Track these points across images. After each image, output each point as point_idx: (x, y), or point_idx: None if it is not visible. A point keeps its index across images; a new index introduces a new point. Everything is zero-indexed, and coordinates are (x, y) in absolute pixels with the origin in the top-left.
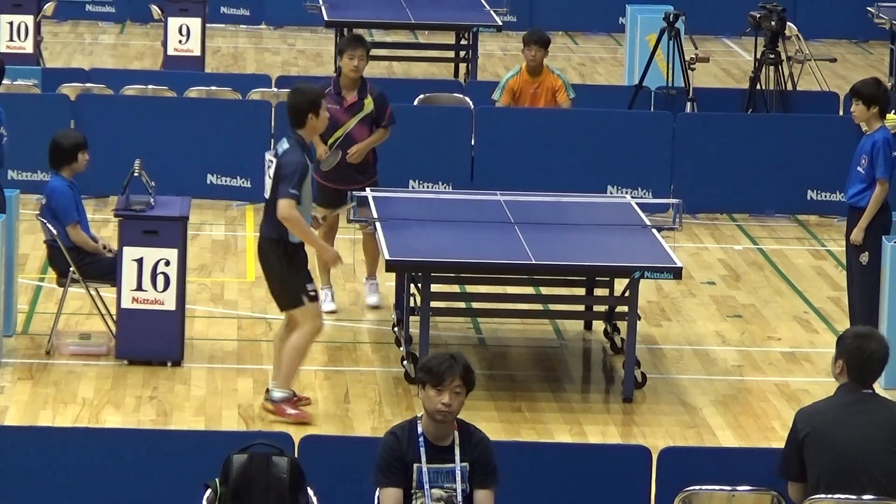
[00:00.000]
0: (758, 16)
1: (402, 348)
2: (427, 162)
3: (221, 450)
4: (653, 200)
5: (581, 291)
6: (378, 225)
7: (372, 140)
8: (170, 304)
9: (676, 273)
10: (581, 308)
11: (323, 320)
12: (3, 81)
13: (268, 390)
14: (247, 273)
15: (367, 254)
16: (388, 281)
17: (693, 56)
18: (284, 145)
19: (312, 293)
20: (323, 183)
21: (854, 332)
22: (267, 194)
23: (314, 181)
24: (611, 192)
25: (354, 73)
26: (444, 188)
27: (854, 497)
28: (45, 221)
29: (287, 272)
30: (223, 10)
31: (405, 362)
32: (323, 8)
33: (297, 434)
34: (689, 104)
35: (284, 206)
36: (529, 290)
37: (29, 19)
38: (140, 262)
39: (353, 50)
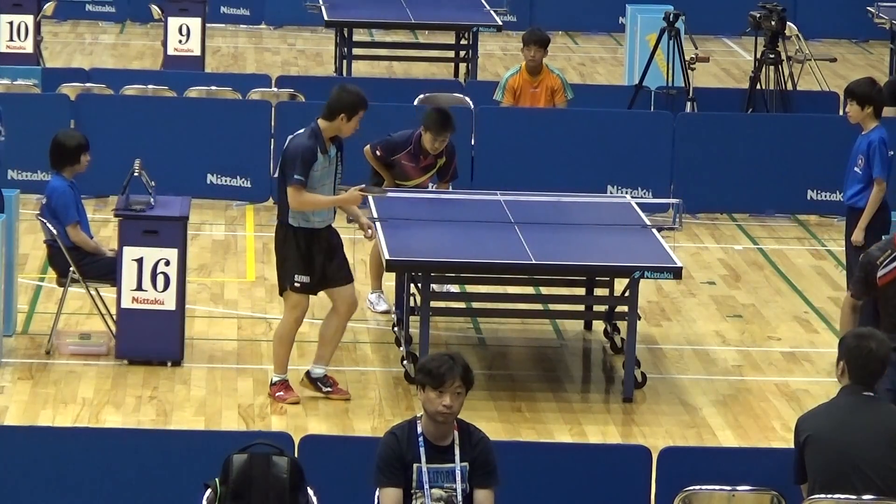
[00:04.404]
0: (758, 16)
1: (402, 348)
2: None
3: (221, 450)
4: (653, 200)
5: (581, 291)
6: (378, 225)
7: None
8: (170, 304)
9: (676, 273)
10: (581, 308)
11: (303, 315)
12: (3, 81)
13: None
14: (247, 273)
15: (372, 266)
16: (388, 281)
17: (693, 56)
18: (300, 130)
19: (298, 284)
20: None
21: (854, 333)
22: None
23: None
24: (611, 192)
25: (434, 152)
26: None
27: (854, 497)
28: (45, 221)
29: (282, 254)
30: (223, 10)
31: (405, 362)
32: (323, 8)
33: (297, 434)
34: (689, 104)
35: (291, 195)
36: (529, 290)
37: (29, 19)
38: (140, 261)
39: (437, 134)
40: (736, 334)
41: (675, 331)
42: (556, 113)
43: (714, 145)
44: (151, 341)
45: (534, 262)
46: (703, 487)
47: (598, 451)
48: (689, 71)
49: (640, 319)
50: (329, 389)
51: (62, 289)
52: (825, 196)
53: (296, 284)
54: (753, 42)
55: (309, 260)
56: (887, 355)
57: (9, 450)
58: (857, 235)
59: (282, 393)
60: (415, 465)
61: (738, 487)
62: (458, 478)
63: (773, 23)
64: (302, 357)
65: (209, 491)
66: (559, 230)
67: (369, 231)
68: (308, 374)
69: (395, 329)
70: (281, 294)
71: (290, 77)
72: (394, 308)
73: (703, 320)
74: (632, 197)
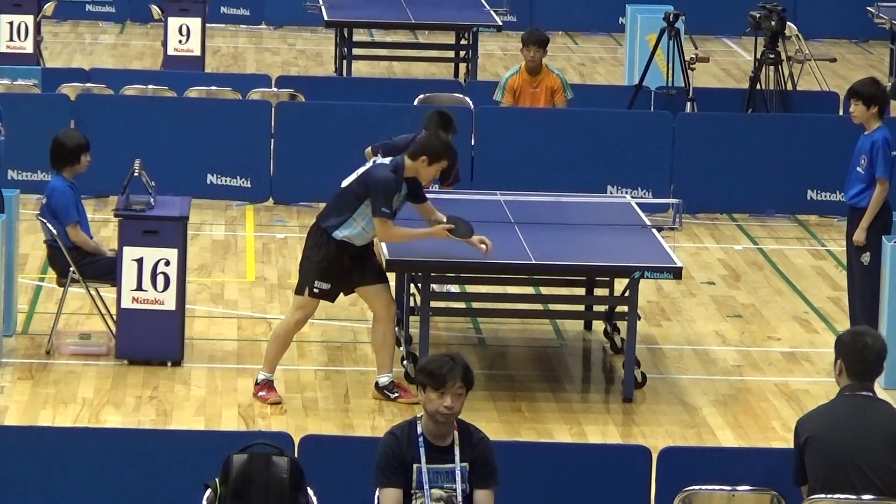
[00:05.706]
0: (758, 16)
1: (402, 348)
2: None
3: (221, 450)
4: (653, 200)
5: (581, 291)
6: None
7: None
8: (170, 304)
9: (676, 273)
10: (581, 308)
11: (306, 319)
12: (3, 81)
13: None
14: (247, 273)
15: None
16: None
17: (693, 56)
18: (385, 160)
19: (316, 290)
20: None
21: (849, 330)
22: (344, 184)
23: None
24: (611, 192)
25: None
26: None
27: (854, 497)
28: (45, 221)
29: (310, 257)
30: (223, 10)
31: (405, 362)
32: (323, 8)
33: (297, 434)
34: (689, 104)
35: (379, 228)
36: (529, 290)
37: (29, 19)
38: (140, 262)
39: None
40: (736, 334)
41: (675, 331)
42: (556, 113)
43: (714, 145)
44: (151, 341)
45: (534, 262)
46: (703, 487)
47: (598, 451)
48: (689, 71)
49: (640, 319)
50: (397, 395)
51: (62, 289)
52: (825, 196)
53: (314, 290)
54: (753, 42)
55: (335, 268)
56: (883, 350)
57: (9, 450)
58: (859, 235)
59: (264, 393)
60: (415, 466)
61: (738, 487)
62: (458, 478)
63: (773, 23)
64: (302, 357)
65: (209, 491)
66: (559, 230)
67: (483, 247)
68: (376, 384)
69: (396, 329)
70: (297, 293)
71: (290, 77)
72: None
73: (703, 320)
74: (632, 197)
